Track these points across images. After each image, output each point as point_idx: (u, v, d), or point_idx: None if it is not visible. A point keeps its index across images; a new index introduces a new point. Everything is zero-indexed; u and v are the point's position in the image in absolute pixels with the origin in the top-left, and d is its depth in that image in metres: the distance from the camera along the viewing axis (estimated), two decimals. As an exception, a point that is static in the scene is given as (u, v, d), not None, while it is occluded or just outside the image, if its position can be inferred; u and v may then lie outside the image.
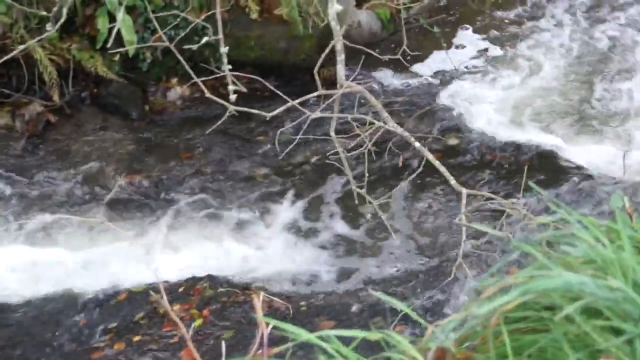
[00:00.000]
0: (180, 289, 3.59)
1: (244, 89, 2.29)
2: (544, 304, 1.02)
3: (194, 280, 3.62)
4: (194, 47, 2.24)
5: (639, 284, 0.99)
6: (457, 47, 5.18)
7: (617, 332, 0.95)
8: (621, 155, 3.68)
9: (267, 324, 1.16)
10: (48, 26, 2.67)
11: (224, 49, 2.16)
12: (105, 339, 3.38)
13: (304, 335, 0.98)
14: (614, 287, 0.97)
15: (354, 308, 3.39)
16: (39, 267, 3.78)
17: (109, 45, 2.67)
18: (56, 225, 3.98)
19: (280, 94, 2.56)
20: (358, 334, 1.00)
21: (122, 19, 4.15)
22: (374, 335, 1.01)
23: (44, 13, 3.29)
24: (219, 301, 3.49)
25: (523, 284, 1.01)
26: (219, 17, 2.18)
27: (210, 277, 3.63)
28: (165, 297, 1.89)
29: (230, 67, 2.19)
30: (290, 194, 4.16)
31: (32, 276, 3.73)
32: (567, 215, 1.15)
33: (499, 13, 5.51)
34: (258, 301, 1.37)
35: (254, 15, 4.64)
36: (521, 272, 1.06)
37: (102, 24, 4.47)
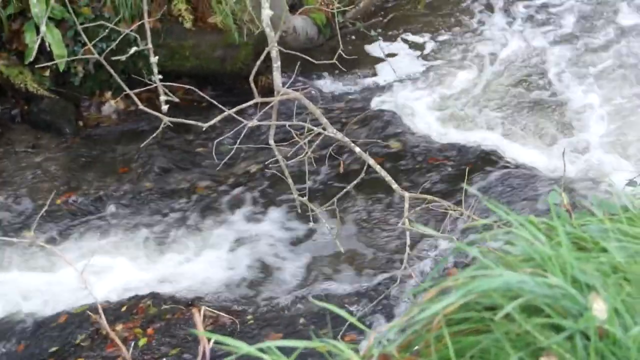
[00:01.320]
0: (123, 308, 3.49)
1: (176, 99, 2.23)
2: (485, 304, 1.02)
3: (136, 299, 3.53)
4: (123, 57, 2.17)
5: (577, 280, 0.99)
6: (394, 50, 5.22)
7: (558, 329, 0.95)
8: (560, 153, 3.76)
9: (209, 339, 1.13)
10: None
11: (153, 59, 2.11)
12: (46, 364, 3.26)
13: (244, 348, 0.95)
14: (552, 284, 0.97)
15: (302, 320, 3.36)
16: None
17: (36, 59, 2.57)
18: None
19: (216, 103, 2.51)
20: (299, 344, 0.98)
21: (51, 33, 4.03)
22: (315, 345, 0.99)
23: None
24: (163, 319, 3.41)
25: (464, 285, 1.00)
26: (147, 26, 2.13)
27: (153, 295, 3.55)
28: (104, 317, 1.82)
29: (160, 77, 2.14)
30: (232, 205, 4.11)
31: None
32: (505, 215, 1.15)
33: (434, 14, 5.59)
34: (199, 316, 1.33)
35: (188, 24, 4.58)
36: (461, 273, 1.05)
37: (29, 38, 4.34)
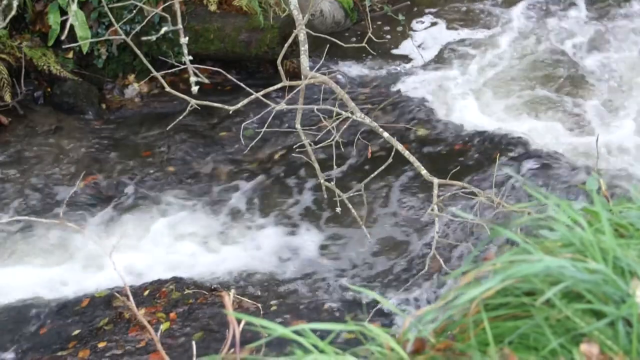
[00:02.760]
0: (146, 293, 3.50)
1: (206, 80, 2.22)
2: (524, 289, 1.00)
3: (159, 283, 3.54)
4: (153, 37, 2.16)
5: (619, 266, 0.97)
6: (422, 34, 5.15)
7: (599, 315, 0.93)
8: (593, 140, 3.69)
9: (239, 322, 1.11)
10: (-3, 22, 2.57)
11: (183, 40, 2.09)
12: (69, 347, 3.27)
13: (279, 330, 0.94)
14: (593, 270, 0.95)
15: (327, 306, 3.34)
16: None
17: (59, 41, 2.57)
18: (12, 230, 3.86)
19: (243, 85, 2.49)
20: (335, 327, 0.96)
21: (76, 15, 4.03)
22: (350, 327, 0.97)
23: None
24: (186, 303, 3.41)
25: (503, 269, 0.98)
26: (177, 6, 2.11)
27: (175, 279, 3.55)
28: (132, 300, 1.82)
29: (190, 57, 2.12)
30: (256, 190, 4.09)
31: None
32: (544, 199, 1.12)
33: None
34: (228, 299, 1.32)
35: (213, 7, 4.55)
36: (500, 258, 1.03)
37: (53, 20, 4.35)
